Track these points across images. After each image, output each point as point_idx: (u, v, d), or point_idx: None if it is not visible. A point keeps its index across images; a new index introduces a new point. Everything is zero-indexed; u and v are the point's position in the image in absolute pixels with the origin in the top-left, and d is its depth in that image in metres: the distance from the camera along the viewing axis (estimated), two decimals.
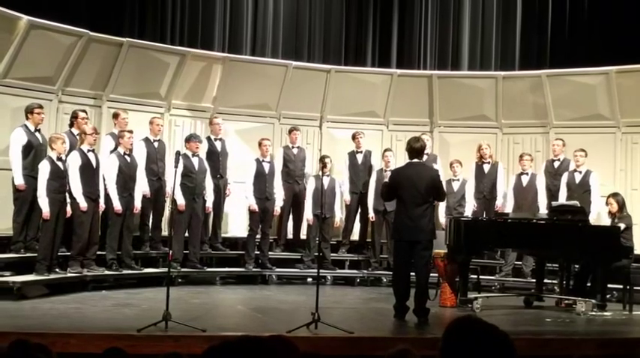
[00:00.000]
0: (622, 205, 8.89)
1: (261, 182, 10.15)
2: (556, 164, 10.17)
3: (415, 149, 7.56)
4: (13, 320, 6.59)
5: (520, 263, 10.01)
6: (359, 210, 10.74)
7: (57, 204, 8.27)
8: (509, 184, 10.28)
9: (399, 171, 7.77)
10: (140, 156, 9.41)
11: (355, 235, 10.90)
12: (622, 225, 8.68)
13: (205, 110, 10.74)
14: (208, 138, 10.16)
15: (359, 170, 10.71)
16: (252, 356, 2.24)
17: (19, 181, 8.37)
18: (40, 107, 8.66)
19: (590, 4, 12.04)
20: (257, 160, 10.22)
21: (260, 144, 10.23)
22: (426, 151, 10.08)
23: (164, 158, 9.69)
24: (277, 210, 10.33)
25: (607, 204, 9.01)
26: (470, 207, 10.22)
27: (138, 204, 9.21)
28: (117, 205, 8.92)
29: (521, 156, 10.19)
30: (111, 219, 8.98)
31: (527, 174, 10.05)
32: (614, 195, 9.06)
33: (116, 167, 8.97)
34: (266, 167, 10.20)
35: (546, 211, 9.61)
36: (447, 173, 10.45)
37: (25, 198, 8.42)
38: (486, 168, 10.34)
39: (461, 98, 11.25)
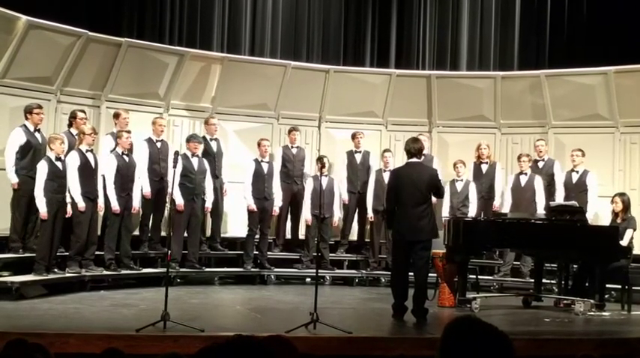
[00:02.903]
0: (627, 205, 8.87)
1: (260, 182, 10.14)
2: (540, 164, 10.19)
3: (414, 149, 7.57)
4: (11, 320, 6.57)
5: (518, 263, 10.00)
6: (357, 210, 10.74)
7: (55, 204, 8.25)
8: (507, 184, 10.28)
9: (399, 171, 7.78)
10: (143, 157, 9.39)
11: (354, 235, 10.90)
12: (630, 230, 8.68)
13: (204, 110, 10.72)
14: (204, 138, 10.14)
15: (357, 170, 10.70)
16: (248, 356, 2.22)
17: (13, 180, 8.35)
18: (40, 107, 8.65)
19: (588, 4, 12.04)
20: (255, 160, 10.22)
21: (259, 145, 10.23)
22: (423, 152, 10.16)
23: (167, 158, 9.60)
24: (276, 210, 10.32)
25: (612, 202, 8.99)
26: (473, 208, 10.19)
27: (136, 204, 9.19)
28: (114, 205, 8.90)
29: (519, 157, 10.19)
30: (109, 219, 8.98)
31: (525, 174, 10.03)
32: (621, 194, 9.05)
33: (114, 167, 8.95)
34: (265, 167, 10.19)
35: (544, 211, 9.64)
36: (448, 173, 10.44)
37: (22, 198, 8.41)
38: (484, 168, 10.35)
39: (459, 98, 11.24)
